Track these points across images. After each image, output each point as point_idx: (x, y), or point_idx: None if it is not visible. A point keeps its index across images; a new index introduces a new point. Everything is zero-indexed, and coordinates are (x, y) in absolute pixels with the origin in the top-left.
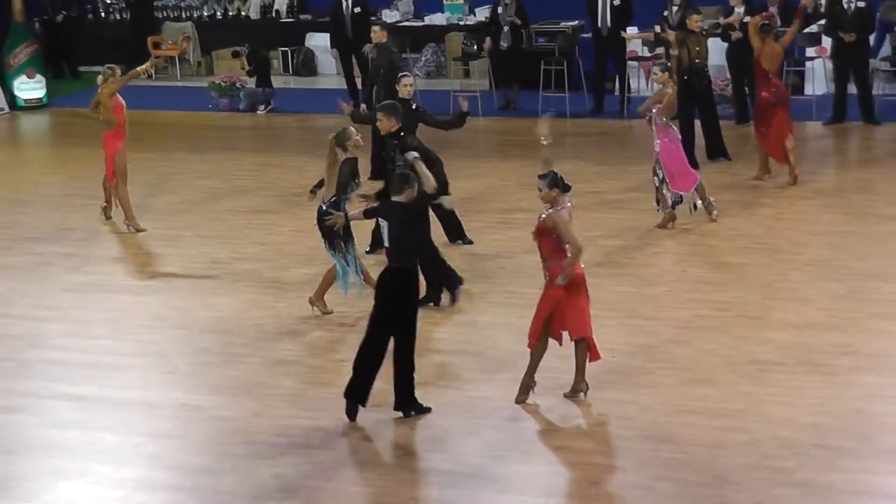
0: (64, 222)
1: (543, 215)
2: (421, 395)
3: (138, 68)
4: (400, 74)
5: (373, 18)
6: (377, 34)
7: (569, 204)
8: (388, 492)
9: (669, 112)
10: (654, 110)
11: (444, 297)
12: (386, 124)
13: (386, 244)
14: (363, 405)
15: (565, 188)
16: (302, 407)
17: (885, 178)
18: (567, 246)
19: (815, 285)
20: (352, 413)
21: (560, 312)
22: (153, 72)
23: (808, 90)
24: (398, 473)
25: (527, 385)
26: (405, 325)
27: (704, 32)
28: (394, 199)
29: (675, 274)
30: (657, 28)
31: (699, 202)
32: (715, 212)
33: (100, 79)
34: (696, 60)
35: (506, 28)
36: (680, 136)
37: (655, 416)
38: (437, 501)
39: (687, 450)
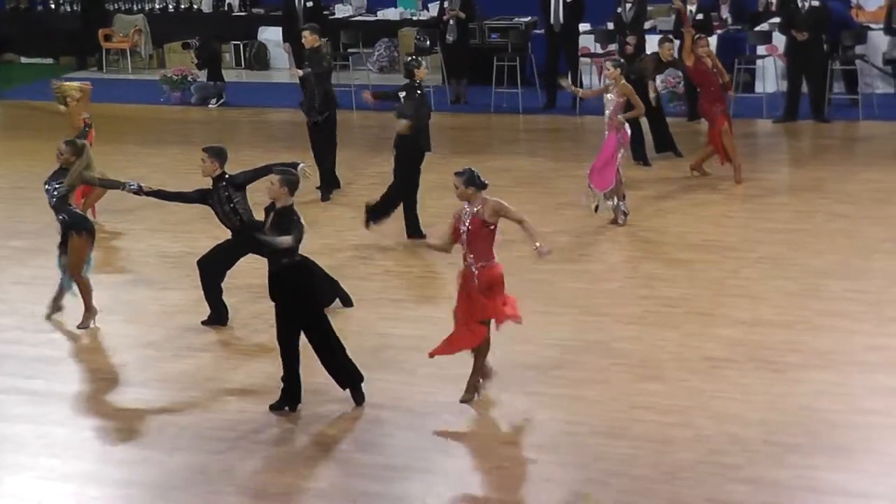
0: (14, 215)
1: (471, 210)
2: (372, 390)
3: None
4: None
5: (325, 12)
6: (308, 39)
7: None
8: (338, 486)
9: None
10: (609, 108)
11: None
12: (209, 168)
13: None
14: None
15: (481, 186)
16: (252, 401)
17: (836, 176)
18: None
19: (766, 283)
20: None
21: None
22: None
23: (759, 88)
24: (347, 468)
25: (473, 385)
26: (310, 317)
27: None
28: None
29: (627, 270)
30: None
31: (606, 203)
32: (622, 218)
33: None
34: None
35: (451, 22)
36: (628, 140)
37: (606, 411)
38: (387, 496)
39: (638, 445)
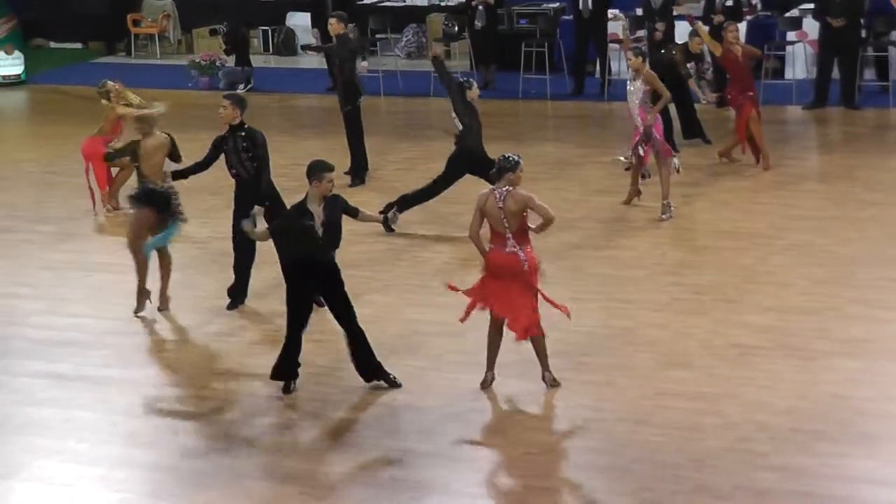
0: (43, 199)
1: (503, 193)
2: (399, 375)
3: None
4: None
5: None
6: (334, 26)
7: (507, 189)
8: (364, 471)
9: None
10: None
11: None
12: (230, 114)
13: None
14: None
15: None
16: (279, 386)
17: (866, 163)
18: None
19: (795, 270)
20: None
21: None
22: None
23: (789, 74)
24: (375, 454)
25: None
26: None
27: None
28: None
29: (655, 257)
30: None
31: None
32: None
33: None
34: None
35: (480, 7)
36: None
37: (633, 398)
38: (413, 482)
39: (664, 433)
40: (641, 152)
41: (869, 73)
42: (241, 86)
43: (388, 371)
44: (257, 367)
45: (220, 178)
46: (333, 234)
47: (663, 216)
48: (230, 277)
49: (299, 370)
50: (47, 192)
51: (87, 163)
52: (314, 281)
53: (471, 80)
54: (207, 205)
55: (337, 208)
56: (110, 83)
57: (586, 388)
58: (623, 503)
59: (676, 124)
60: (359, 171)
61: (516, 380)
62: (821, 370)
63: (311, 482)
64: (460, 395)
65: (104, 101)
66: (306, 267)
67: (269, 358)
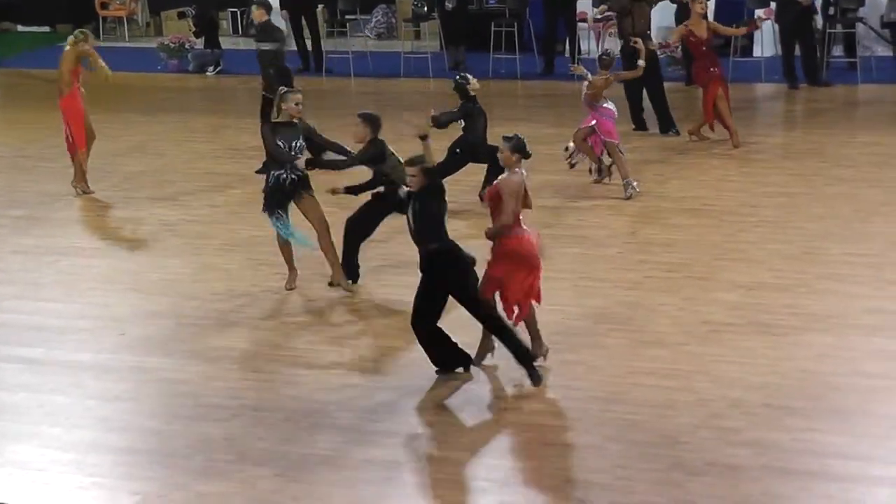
0: (13, 184)
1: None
2: (375, 355)
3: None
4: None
5: None
6: (256, 13)
7: (523, 171)
8: (339, 453)
9: (595, 99)
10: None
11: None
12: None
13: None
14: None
15: (525, 155)
16: (253, 369)
17: (835, 139)
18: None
19: (765, 246)
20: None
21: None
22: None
23: (757, 52)
24: (350, 435)
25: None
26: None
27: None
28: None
29: (626, 235)
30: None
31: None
32: (606, 178)
33: (70, 39)
34: (639, 29)
35: None
36: (614, 113)
37: (605, 377)
38: (390, 462)
39: (637, 410)
40: (591, 144)
41: (837, 50)
42: (211, 68)
43: (533, 366)
44: (230, 349)
45: (191, 160)
46: (424, 224)
47: (627, 194)
48: (202, 260)
49: (461, 354)
50: (17, 176)
51: (65, 121)
52: (430, 273)
53: (467, 75)
54: (177, 188)
55: (425, 200)
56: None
57: (559, 367)
58: (597, 481)
59: (647, 105)
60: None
61: (488, 359)
62: (792, 346)
63: (285, 463)
64: (434, 375)
65: (70, 39)
66: (423, 258)
67: (242, 341)
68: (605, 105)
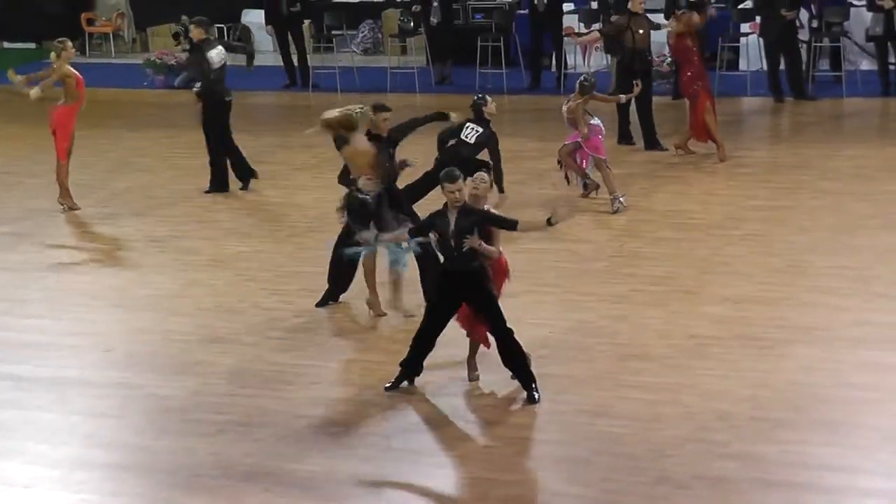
0: None
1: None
2: (360, 371)
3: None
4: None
5: None
6: (194, 32)
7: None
8: (326, 469)
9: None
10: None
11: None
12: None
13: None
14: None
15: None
16: (240, 384)
17: (821, 153)
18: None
19: (752, 259)
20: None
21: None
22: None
23: (743, 66)
24: (336, 450)
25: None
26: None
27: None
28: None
29: (613, 249)
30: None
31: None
32: (593, 192)
33: (53, 56)
34: (639, 44)
35: (435, 3)
36: (601, 129)
37: (592, 390)
38: (376, 478)
39: (624, 424)
40: (579, 160)
41: (823, 64)
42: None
43: (532, 386)
44: (217, 364)
45: (177, 176)
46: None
47: (614, 209)
48: (187, 276)
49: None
50: (3, 192)
51: (55, 130)
52: (457, 290)
53: (486, 96)
54: (163, 204)
55: (469, 218)
56: (69, 44)
57: (545, 381)
58: (584, 494)
59: (633, 118)
60: (217, 185)
61: (477, 373)
62: (779, 358)
63: (274, 479)
64: (419, 391)
65: (53, 55)
66: (447, 275)
67: (228, 357)
68: (591, 122)
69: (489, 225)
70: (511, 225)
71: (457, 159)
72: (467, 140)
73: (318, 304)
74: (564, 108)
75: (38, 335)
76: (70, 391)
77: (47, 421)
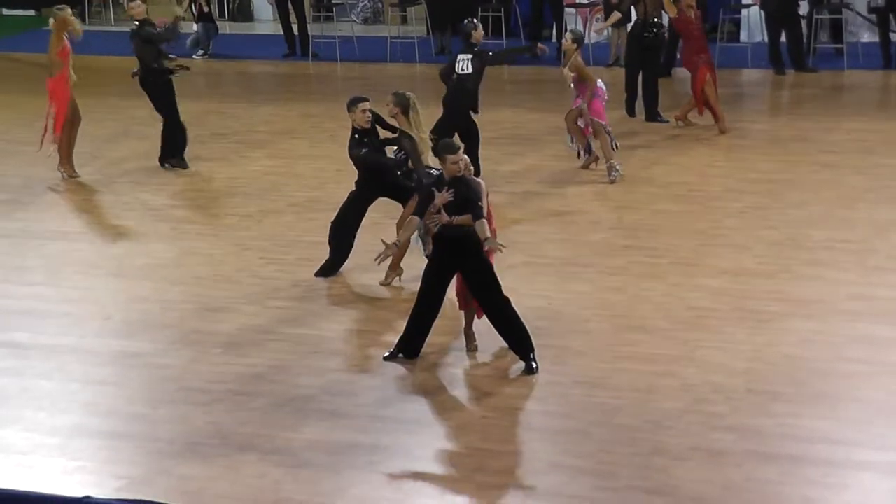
0: None
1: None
2: (362, 343)
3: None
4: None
5: None
6: (133, 9)
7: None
8: (323, 438)
9: (584, 80)
10: (571, 84)
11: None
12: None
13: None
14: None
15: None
16: (237, 353)
17: (821, 125)
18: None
19: (750, 232)
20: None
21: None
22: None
23: (744, 37)
24: (335, 420)
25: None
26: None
27: None
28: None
29: (611, 221)
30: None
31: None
32: (592, 164)
33: (51, 22)
34: (650, 14)
35: None
36: (604, 93)
37: (589, 362)
38: (374, 448)
39: (621, 395)
40: (581, 126)
41: (823, 36)
42: (200, 52)
43: (531, 356)
44: (214, 333)
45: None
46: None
47: (611, 177)
48: (186, 245)
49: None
50: (2, 160)
51: (51, 102)
52: (451, 257)
53: (476, 22)
54: (161, 173)
55: (463, 190)
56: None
57: (543, 352)
58: (581, 465)
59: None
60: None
61: (475, 344)
62: (776, 332)
63: (269, 448)
64: (417, 360)
65: (51, 21)
66: (441, 240)
67: (226, 326)
68: (596, 85)
69: (471, 205)
70: (477, 214)
71: (464, 93)
72: (466, 72)
73: (318, 274)
74: (566, 69)
75: (37, 303)
76: (68, 359)
77: (45, 389)
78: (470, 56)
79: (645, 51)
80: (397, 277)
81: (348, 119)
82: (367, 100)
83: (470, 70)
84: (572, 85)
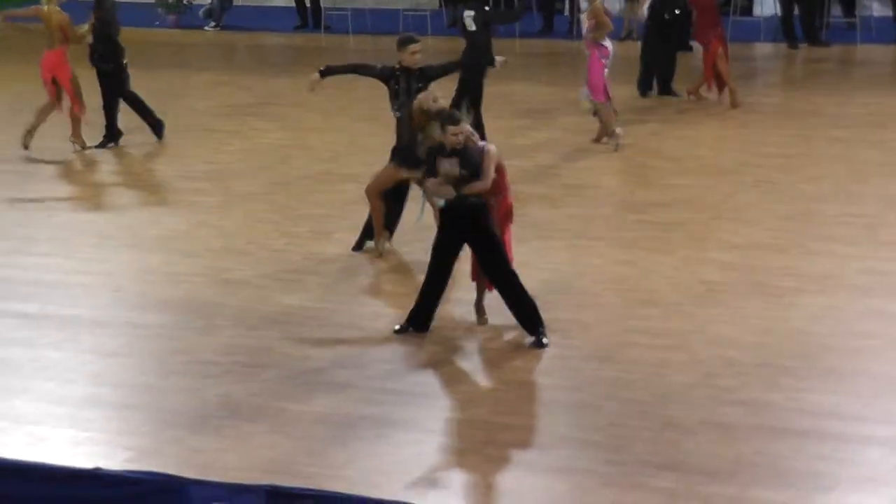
0: (6, 139)
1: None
2: (367, 313)
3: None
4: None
5: None
6: None
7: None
8: (333, 410)
9: (600, 30)
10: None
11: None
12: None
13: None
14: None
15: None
16: (248, 325)
17: (833, 100)
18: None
19: (762, 207)
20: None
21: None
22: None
23: (757, 11)
24: (345, 392)
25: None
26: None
27: None
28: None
29: (623, 195)
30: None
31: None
32: (614, 144)
33: None
34: None
35: None
36: (610, 53)
37: (600, 335)
38: (386, 420)
39: (631, 369)
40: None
41: (836, 10)
42: (212, 23)
43: (540, 329)
44: (225, 305)
45: (189, 116)
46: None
47: (614, 147)
48: (197, 217)
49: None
50: (10, 131)
51: (49, 75)
52: (459, 228)
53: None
54: (174, 145)
55: (470, 159)
56: None
57: (553, 326)
58: (591, 439)
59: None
60: (111, 137)
61: (486, 318)
62: (786, 306)
63: (279, 420)
64: (427, 333)
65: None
66: (448, 211)
67: (236, 298)
68: (604, 43)
69: (475, 175)
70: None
71: (477, 50)
72: (472, 28)
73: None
74: (583, 16)
75: (48, 274)
76: (79, 330)
77: (56, 359)
78: (473, 13)
79: (666, 26)
80: (387, 242)
81: (358, 93)
82: (417, 41)
83: (474, 27)
84: (587, 39)
